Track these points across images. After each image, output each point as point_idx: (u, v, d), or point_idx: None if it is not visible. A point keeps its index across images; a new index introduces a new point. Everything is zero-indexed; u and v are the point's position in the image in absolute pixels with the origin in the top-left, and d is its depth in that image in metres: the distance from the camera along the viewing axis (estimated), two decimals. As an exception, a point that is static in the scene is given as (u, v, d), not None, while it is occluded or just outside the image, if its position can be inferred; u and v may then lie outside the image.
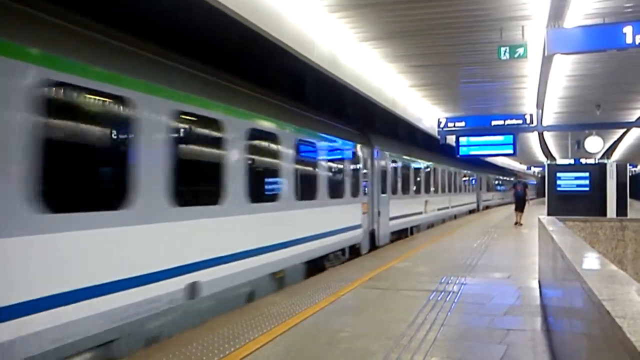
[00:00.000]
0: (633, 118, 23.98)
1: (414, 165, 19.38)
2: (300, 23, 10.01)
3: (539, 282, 8.79)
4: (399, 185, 17.32)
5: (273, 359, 5.15)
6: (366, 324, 6.40)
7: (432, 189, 22.31)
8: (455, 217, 28.00)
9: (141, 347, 5.67)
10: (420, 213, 20.10)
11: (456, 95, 19.99)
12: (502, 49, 11.37)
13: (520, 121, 20.11)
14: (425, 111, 21.82)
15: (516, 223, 22.80)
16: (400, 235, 17.34)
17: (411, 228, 18.89)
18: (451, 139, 22.11)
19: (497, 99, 20.31)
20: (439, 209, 23.58)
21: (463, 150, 19.89)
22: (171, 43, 7.81)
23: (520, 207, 23.15)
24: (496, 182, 49.25)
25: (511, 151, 19.70)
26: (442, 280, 9.17)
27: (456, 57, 14.11)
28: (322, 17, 10.73)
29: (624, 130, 29.17)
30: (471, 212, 34.09)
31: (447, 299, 7.74)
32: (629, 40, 9.47)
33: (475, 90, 18.85)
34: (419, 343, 5.55)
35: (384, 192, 15.38)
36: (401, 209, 17.25)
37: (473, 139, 19.81)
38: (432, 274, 9.92)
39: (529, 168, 65.34)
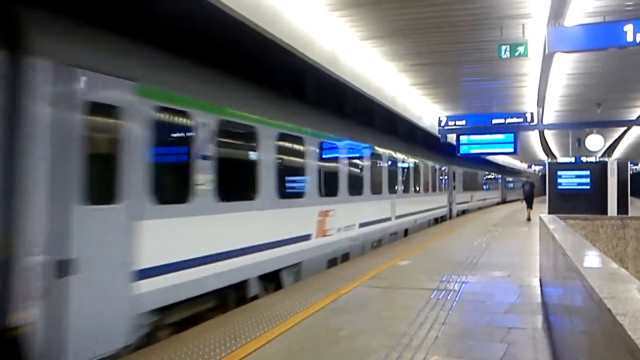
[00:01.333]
0: (634, 116, 23.97)
1: (277, 138, 8.99)
2: (300, 21, 10.02)
3: (539, 280, 8.79)
4: (205, 177, 6.94)
5: (274, 358, 5.16)
6: (367, 322, 6.40)
7: (345, 187, 12.02)
8: (407, 232, 17.76)
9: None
10: (307, 238, 10.00)
11: (457, 93, 19.99)
12: (503, 47, 11.38)
13: (521, 119, 20.16)
14: (426, 110, 21.82)
15: (528, 219, 24.34)
16: (219, 302, 7.39)
17: (275, 275, 8.83)
18: (452, 138, 22.12)
19: (497, 98, 20.32)
20: (364, 224, 13.15)
21: (464, 149, 19.90)
22: (170, 41, 7.80)
23: (529, 204, 25.51)
24: (480, 177, 37.40)
25: (512, 150, 19.72)
26: (443, 279, 9.17)
27: (457, 55, 14.11)
28: (322, 15, 10.73)
29: (625, 128, 29.16)
30: (439, 220, 23.77)
31: (448, 297, 7.74)
32: (629, 38, 9.47)
33: (476, 88, 18.85)
34: (420, 341, 5.55)
35: (106, 199, 5.45)
36: (201, 241, 6.86)
37: (474, 138, 19.82)
38: (433, 272, 9.91)
39: (529, 166, 65.23)
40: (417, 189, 19.43)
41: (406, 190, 17.78)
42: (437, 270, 10.07)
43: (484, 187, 39.77)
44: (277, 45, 9.73)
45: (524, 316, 6.68)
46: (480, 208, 36.12)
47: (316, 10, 10.44)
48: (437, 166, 23.28)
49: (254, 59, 12.96)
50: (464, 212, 30.36)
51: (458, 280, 9.12)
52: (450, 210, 26.44)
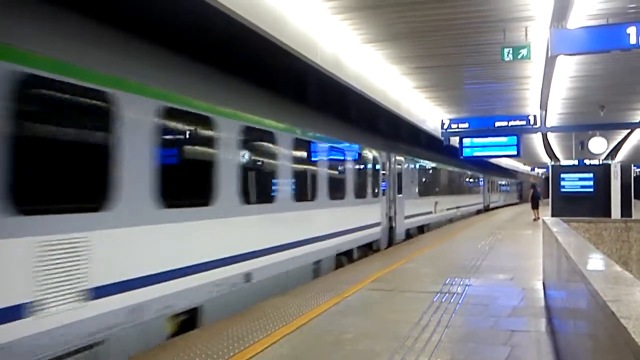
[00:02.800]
0: (637, 119, 23.94)
1: None
2: (303, 25, 10.04)
3: (543, 283, 8.77)
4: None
5: (278, 361, 5.16)
6: (371, 325, 6.40)
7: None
8: (191, 315, 6.54)
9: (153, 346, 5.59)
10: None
11: (460, 96, 19.99)
12: (506, 50, 11.38)
13: (524, 122, 20.14)
14: (429, 112, 21.83)
15: (534, 219, 25.80)
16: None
17: None
18: (455, 141, 22.13)
19: (500, 100, 20.32)
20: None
21: (467, 152, 19.90)
22: (172, 44, 7.82)
23: (535, 205, 26.92)
24: (451, 175, 26.54)
25: (515, 152, 19.71)
26: (447, 282, 9.16)
27: (460, 58, 14.12)
28: (326, 19, 10.75)
29: (628, 130, 29.11)
30: (354, 255, 12.73)
31: (452, 300, 7.73)
32: (632, 40, 9.46)
33: (479, 91, 18.86)
34: (424, 344, 5.55)
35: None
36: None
37: (477, 140, 19.81)
38: (437, 275, 9.90)
39: (532, 169, 65.07)
40: (285, 194, 9.15)
41: (238, 198, 7.60)
42: (440, 273, 10.06)
43: (458, 189, 28.41)
44: (280, 49, 9.76)
45: (528, 319, 6.67)
46: (451, 220, 25.77)
47: (319, 14, 10.46)
48: (359, 150, 13.25)
49: (257, 62, 13.01)
50: (421, 229, 19.81)
51: (461, 282, 9.11)
52: (392, 229, 15.81)
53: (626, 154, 40.73)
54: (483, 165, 37.22)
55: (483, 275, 9.93)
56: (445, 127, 21.01)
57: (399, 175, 16.83)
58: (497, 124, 20.33)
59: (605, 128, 22.10)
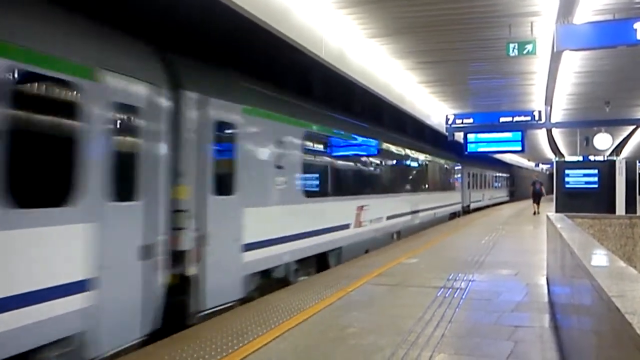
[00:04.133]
0: (643, 115, 23.83)
1: None
2: (308, 19, 10.03)
3: (547, 279, 8.77)
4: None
5: (281, 355, 5.18)
6: (374, 320, 6.41)
7: None
8: None
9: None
10: None
11: (464, 91, 19.93)
12: (511, 45, 11.34)
13: (528, 118, 20.09)
14: (434, 108, 21.77)
15: (534, 213, 26.69)
16: None
17: None
18: (459, 136, 22.07)
19: (505, 96, 20.25)
20: None
21: (471, 147, 19.88)
22: (176, 38, 7.81)
23: (537, 200, 27.74)
24: (410, 158, 17.89)
25: (519, 148, 19.70)
26: (450, 277, 9.16)
27: (465, 53, 14.07)
28: (331, 13, 10.73)
29: (634, 127, 28.96)
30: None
31: (455, 295, 7.74)
32: (639, 36, 9.41)
33: (484, 86, 18.79)
34: (427, 339, 5.56)
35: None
36: None
37: (481, 136, 19.78)
38: (440, 270, 9.90)
39: (537, 165, 64.79)
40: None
41: None
42: (444, 268, 10.06)
43: (416, 183, 18.78)
44: (285, 43, 9.75)
45: (531, 314, 6.68)
46: (399, 234, 16.23)
47: (324, 8, 10.45)
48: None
49: (262, 56, 13.00)
50: (322, 261, 10.86)
51: (465, 278, 9.12)
52: (186, 282, 6.53)
53: (631, 150, 40.56)
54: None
55: (487, 271, 9.92)
56: (449, 122, 20.97)
57: (231, 148, 7.60)
58: (502, 119, 20.28)
59: (611, 124, 22.02)
